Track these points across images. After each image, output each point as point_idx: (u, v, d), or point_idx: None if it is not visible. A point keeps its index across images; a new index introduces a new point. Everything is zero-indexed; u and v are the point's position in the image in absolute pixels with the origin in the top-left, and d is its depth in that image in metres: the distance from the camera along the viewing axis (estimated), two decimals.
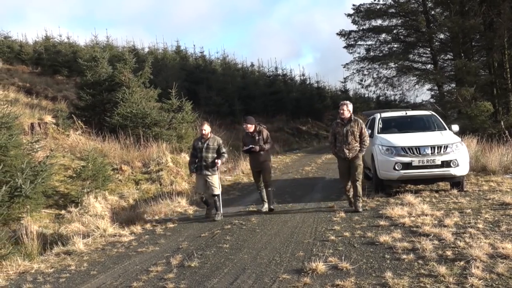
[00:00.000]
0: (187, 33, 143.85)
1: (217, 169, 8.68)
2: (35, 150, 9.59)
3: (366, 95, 46.67)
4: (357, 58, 32.87)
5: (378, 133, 10.37)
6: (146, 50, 33.65)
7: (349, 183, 8.35)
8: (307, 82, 40.24)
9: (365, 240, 6.23)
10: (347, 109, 8.23)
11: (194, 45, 51.85)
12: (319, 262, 5.22)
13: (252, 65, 39.09)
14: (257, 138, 8.90)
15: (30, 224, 8.23)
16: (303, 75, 40.36)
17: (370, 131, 10.67)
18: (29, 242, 7.24)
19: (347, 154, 8.16)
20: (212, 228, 7.92)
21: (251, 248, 6.40)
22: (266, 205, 9.04)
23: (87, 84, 16.30)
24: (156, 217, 9.24)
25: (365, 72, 33.01)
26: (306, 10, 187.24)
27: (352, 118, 8.28)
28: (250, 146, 8.86)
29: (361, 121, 8.35)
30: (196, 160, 8.69)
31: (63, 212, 9.54)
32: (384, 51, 31.59)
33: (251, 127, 8.94)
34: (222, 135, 16.50)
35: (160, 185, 12.02)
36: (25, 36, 39.51)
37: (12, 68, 24.74)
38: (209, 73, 29.74)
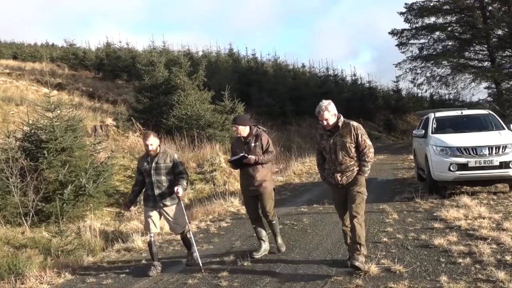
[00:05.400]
0: (246, 34, 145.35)
1: (179, 198, 6.02)
2: (97, 151, 10.12)
3: (420, 95, 45.46)
4: (409, 57, 32.18)
5: (432, 133, 10.13)
6: (200, 53, 34.43)
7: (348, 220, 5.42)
8: (359, 82, 39.73)
9: (419, 243, 6.16)
10: (330, 114, 5.37)
11: (246, 48, 52.49)
12: (372, 264, 5.22)
13: (303, 66, 38.96)
14: (252, 145, 6.05)
15: (93, 221, 8.71)
16: (354, 75, 39.89)
17: (423, 131, 10.47)
18: (92, 238, 7.69)
19: (339, 179, 5.37)
20: None
21: (302, 248, 6.48)
22: (264, 246, 6.33)
23: (145, 88, 17.00)
24: (210, 217, 9.46)
25: (418, 71, 32.26)
26: (366, 8, 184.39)
27: (341, 123, 5.45)
28: (242, 155, 5.95)
29: (356, 124, 5.53)
30: (144, 189, 6.17)
31: (123, 210, 9.97)
32: (438, 49, 30.71)
33: (243, 129, 6.06)
34: (273, 136, 16.64)
35: (214, 185, 12.29)
36: (88, 43, 41.88)
37: (76, 73, 26.18)
38: (261, 75, 29.98)
